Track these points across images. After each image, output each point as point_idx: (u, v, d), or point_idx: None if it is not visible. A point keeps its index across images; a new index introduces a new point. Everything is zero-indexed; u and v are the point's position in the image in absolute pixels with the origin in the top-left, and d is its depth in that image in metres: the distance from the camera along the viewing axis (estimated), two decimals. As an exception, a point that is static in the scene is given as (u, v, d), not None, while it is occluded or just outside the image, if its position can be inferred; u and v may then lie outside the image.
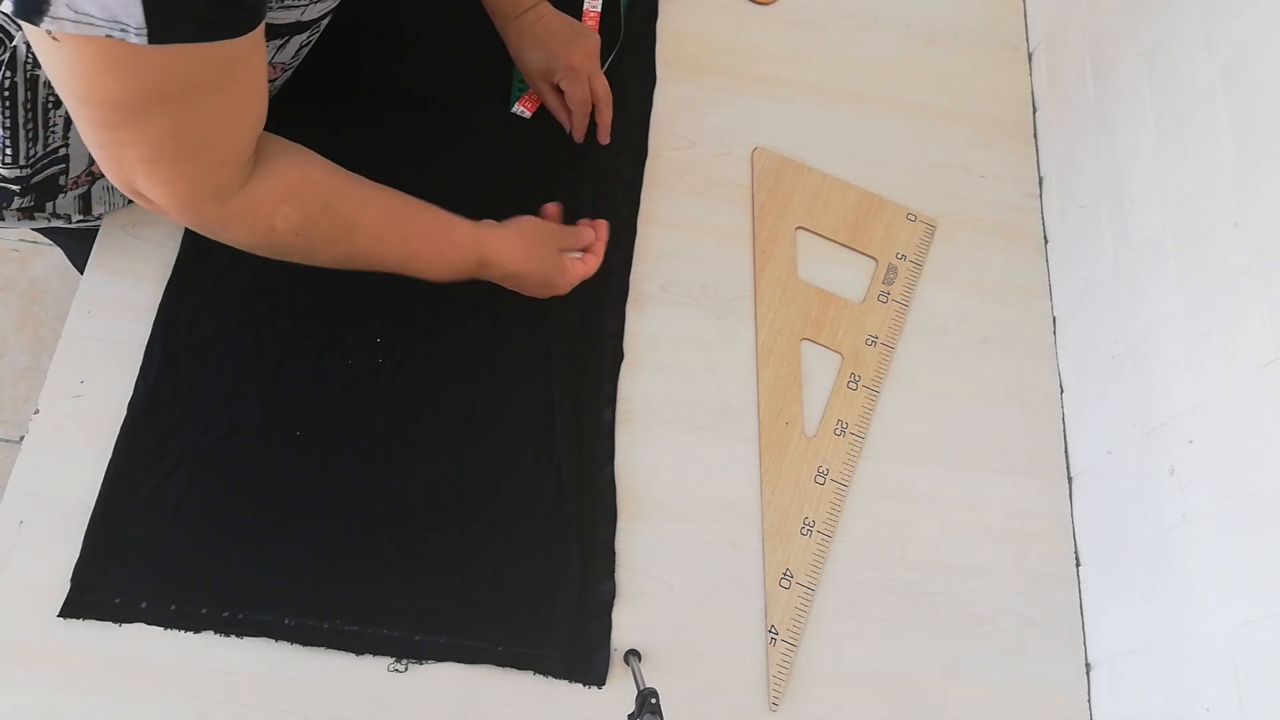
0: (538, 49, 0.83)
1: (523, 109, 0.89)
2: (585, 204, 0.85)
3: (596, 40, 0.85)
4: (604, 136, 0.87)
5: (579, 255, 0.79)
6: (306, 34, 0.69)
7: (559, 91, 0.85)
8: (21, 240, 1.50)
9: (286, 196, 0.61)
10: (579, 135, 0.87)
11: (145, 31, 0.44)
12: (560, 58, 0.82)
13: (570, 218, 0.84)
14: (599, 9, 0.95)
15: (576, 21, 0.86)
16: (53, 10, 0.43)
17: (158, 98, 0.49)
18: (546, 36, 0.83)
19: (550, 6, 0.85)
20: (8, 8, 0.44)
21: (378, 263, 0.68)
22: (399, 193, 0.69)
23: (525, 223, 0.76)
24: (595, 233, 0.80)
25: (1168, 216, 0.74)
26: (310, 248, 0.64)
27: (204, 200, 0.57)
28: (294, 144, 0.62)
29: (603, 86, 0.85)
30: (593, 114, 0.86)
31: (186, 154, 0.54)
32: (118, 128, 0.51)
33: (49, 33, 0.44)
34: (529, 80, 0.87)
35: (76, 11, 0.43)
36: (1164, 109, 0.76)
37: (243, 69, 0.52)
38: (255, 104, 0.56)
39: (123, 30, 0.44)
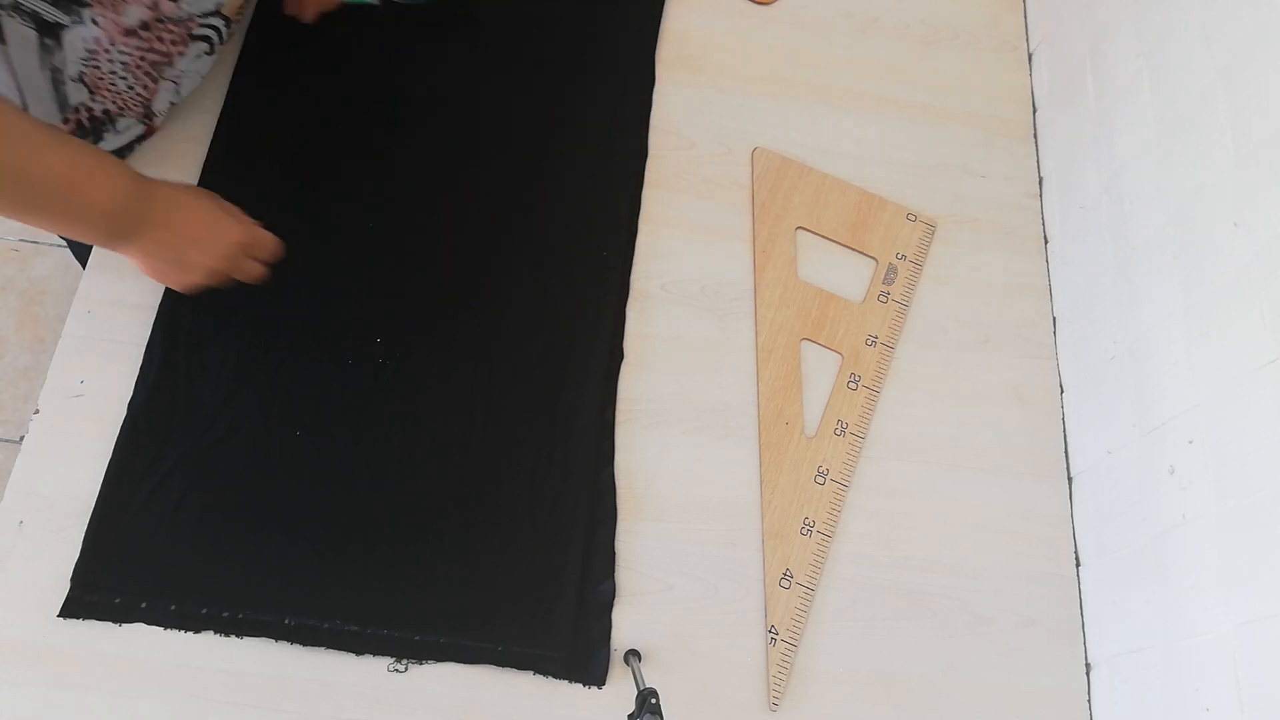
0: None
1: None
2: (585, 205, 0.85)
3: None
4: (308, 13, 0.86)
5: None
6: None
7: None
8: (21, 240, 1.51)
9: None
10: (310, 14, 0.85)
11: None
12: None
13: (569, 218, 0.85)
14: None
15: None
16: None
17: None
18: None
19: None
20: None
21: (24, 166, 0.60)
22: None
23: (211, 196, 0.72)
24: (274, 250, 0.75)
25: (1168, 216, 0.74)
26: None
27: None
28: None
29: None
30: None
31: None
32: None
33: None
34: None
35: None
36: (1164, 109, 0.76)
37: None
38: None
39: None
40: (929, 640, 0.75)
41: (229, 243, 0.71)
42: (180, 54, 0.75)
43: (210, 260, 0.70)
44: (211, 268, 0.71)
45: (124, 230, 0.66)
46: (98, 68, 0.70)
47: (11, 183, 0.59)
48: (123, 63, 0.71)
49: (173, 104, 0.79)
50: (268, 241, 0.75)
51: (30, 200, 0.61)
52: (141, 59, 0.72)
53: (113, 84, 0.72)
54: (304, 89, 0.86)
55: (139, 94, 0.74)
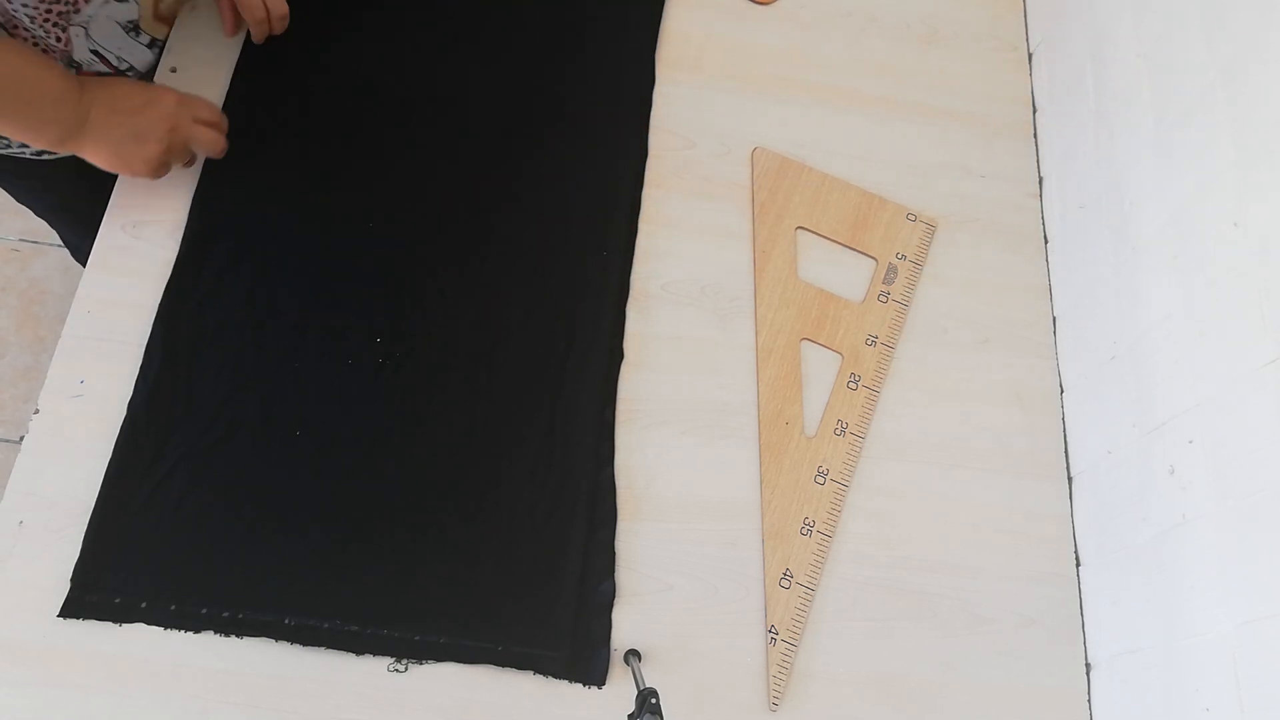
0: None
1: None
2: (585, 205, 0.86)
3: None
4: (256, 35, 0.87)
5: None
6: None
7: None
8: (22, 240, 1.51)
9: None
10: (257, 37, 0.87)
11: None
12: None
13: (569, 218, 0.85)
14: None
15: None
16: None
17: None
18: None
19: None
20: None
21: None
22: None
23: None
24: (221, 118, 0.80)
25: (1168, 216, 0.74)
26: None
27: None
28: None
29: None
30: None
31: None
32: None
33: None
34: None
35: None
36: (1164, 109, 0.76)
37: None
38: None
39: None
40: (929, 640, 0.75)
41: (167, 102, 0.75)
42: (87, 2, 0.75)
43: (158, 123, 0.74)
44: (163, 133, 0.74)
45: (76, 118, 0.71)
46: (7, 16, 0.71)
47: None
48: (29, 16, 0.72)
49: (93, 51, 0.79)
50: (203, 101, 0.78)
51: (3, 97, 0.67)
52: (48, 11, 0.72)
53: (28, 34, 0.73)
54: (304, 94, 0.86)
55: (54, 46, 0.75)
